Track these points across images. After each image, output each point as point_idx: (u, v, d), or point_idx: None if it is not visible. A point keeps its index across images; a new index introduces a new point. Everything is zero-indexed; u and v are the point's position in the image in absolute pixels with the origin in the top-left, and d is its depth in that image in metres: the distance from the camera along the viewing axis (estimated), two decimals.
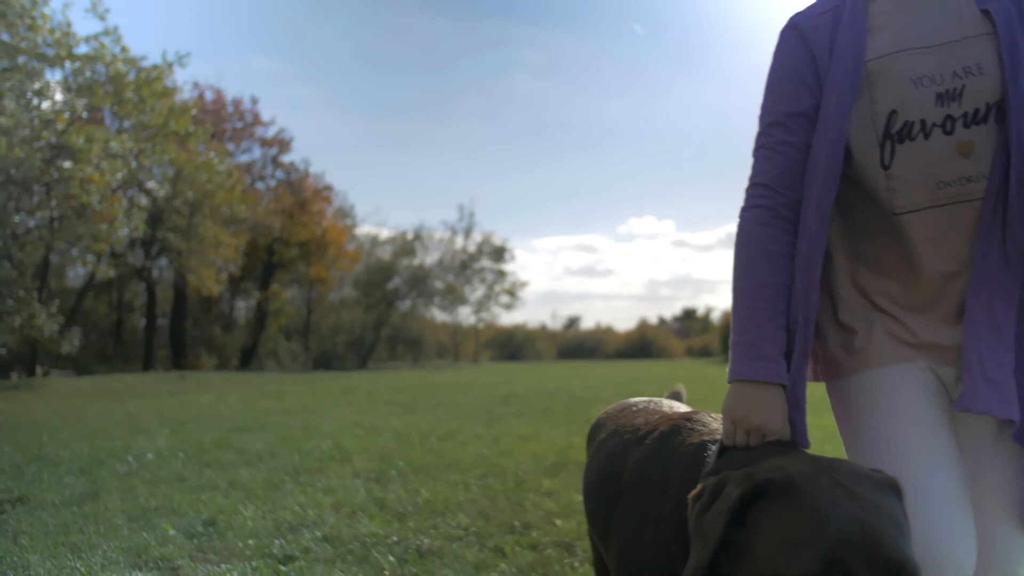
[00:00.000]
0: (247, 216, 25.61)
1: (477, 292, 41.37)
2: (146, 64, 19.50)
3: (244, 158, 30.95)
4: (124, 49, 19.02)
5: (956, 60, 1.38)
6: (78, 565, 2.93)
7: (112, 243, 19.17)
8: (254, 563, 2.97)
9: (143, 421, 8.52)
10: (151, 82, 19.39)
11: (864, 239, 1.50)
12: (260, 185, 31.40)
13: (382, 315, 36.81)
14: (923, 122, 1.38)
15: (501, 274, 41.47)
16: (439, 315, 41.87)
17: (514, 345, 49.22)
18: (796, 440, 1.43)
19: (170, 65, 20.08)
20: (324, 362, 32.28)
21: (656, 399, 1.86)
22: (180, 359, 26.78)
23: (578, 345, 54.35)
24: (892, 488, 1.14)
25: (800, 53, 1.48)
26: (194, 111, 21.29)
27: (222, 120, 29.38)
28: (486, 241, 40.74)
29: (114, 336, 29.53)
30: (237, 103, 30.56)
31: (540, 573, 2.88)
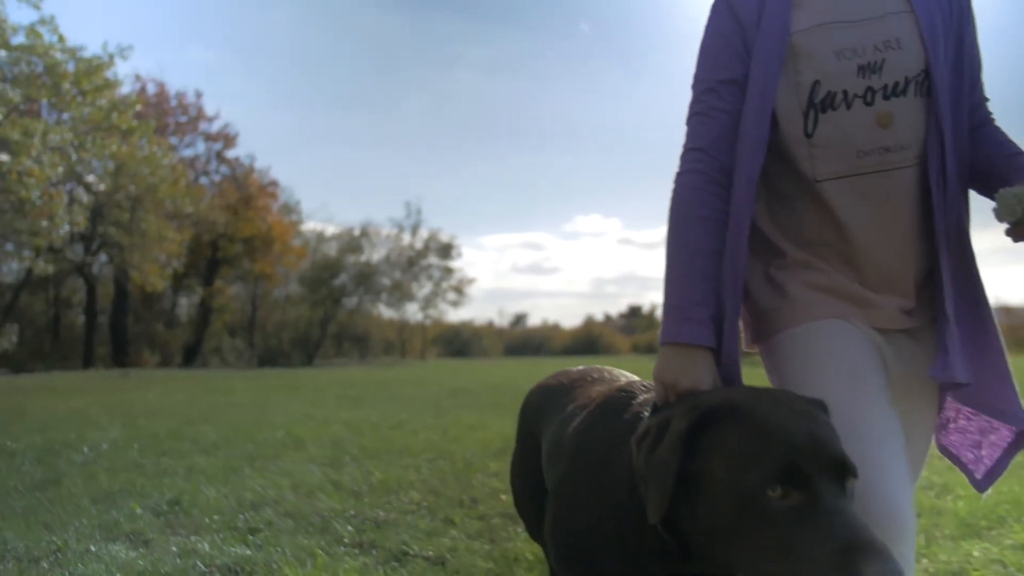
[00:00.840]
0: (191, 211, 25.28)
1: (424, 289, 41.49)
2: (85, 55, 19.19)
3: (187, 152, 30.51)
4: (61, 39, 18.67)
5: (877, 34, 1.44)
6: (54, 539, 3.12)
7: (51, 239, 18.79)
8: (221, 535, 3.21)
9: (91, 415, 8.54)
10: (91, 74, 19.06)
11: (790, 207, 1.54)
12: (204, 180, 30.98)
13: (328, 312, 36.61)
14: (845, 92, 1.44)
15: (448, 271, 41.66)
16: (386, 312, 41.87)
17: (461, 342, 49.43)
18: None
19: (111, 57, 19.76)
20: (269, 359, 32.00)
21: (607, 369, 1.89)
22: (121, 356, 26.29)
23: (525, 342, 54.92)
24: (821, 405, 1.26)
25: (730, 24, 1.53)
26: (138, 107, 20.95)
27: (165, 114, 28.86)
28: (433, 238, 40.87)
29: (51, 333, 28.80)
30: (180, 97, 30.11)
31: (487, 538, 3.18)
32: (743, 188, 1.48)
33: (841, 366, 1.41)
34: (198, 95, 31.17)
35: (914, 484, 1.54)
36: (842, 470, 1.11)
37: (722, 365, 1.46)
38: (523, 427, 1.96)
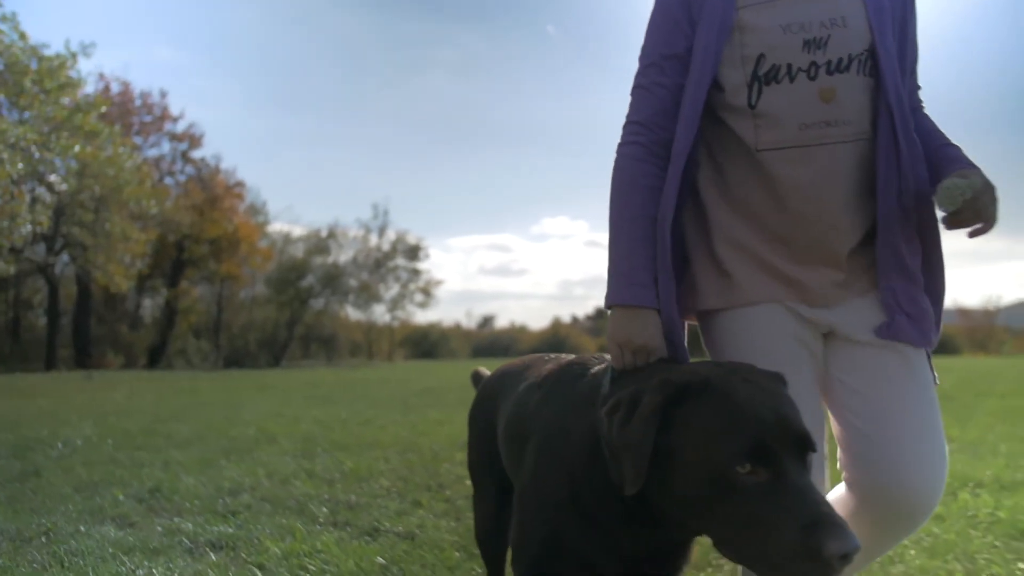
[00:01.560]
0: (156, 212, 25.09)
1: (392, 290, 41.51)
2: (48, 52, 19.02)
3: (152, 152, 30.24)
4: (23, 36, 18.48)
5: (824, 12, 1.50)
6: (43, 521, 3.29)
7: (13, 239, 18.57)
8: (203, 517, 3.40)
9: (61, 414, 8.59)
10: (53, 72, 18.89)
11: (733, 178, 1.58)
12: (169, 180, 30.73)
13: (295, 313, 36.49)
14: (789, 66, 1.49)
15: (416, 272, 41.72)
16: (353, 313, 41.81)
17: (429, 343, 49.44)
18: (677, 356, 1.54)
19: (74, 55, 19.59)
20: (236, 360, 31.84)
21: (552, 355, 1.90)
22: (84, 358, 25.96)
23: (492, 343, 55.08)
24: (782, 380, 1.34)
25: (677, 1, 1.58)
26: (104, 108, 20.78)
27: (129, 113, 28.62)
28: (400, 239, 40.89)
29: (11, 335, 28.36)
30: (145, 96, 29.85)
31: (453, 516, 3.43)
32: (678, 157, 1.55)
33: (775, 360, 1.48)
34: (163, 95, 30.95)
35: (941, 434, 1.53)
36: (804, 446, 1.19)
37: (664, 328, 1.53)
38: (479, 409, 2.02)
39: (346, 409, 9.13)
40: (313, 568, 2.60)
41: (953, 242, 1.65)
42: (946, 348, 45.73)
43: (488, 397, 1.97)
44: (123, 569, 2.61)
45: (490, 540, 2.02)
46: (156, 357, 29.93)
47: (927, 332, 1.54)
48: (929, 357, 1.60)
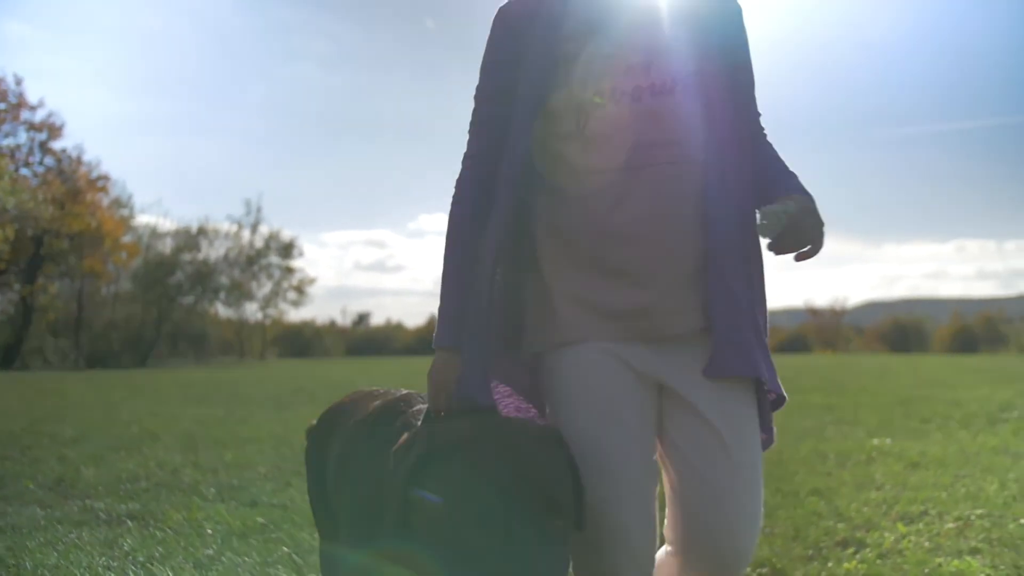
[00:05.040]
0: (12, 205, 24.10)
1: (264, 288, 41.17)
2: None
3: (7, 142, 28.79)
4: None
5: (646, 38, 1.52)
6: None
7: None
8: (110, 499, 4.18)
9: None
10: None
11: (560, 207, 1.56)
12: (26, 172, 29.34)
13: (163, 311, 35.59)
14: (613, 90, 1.49)
15: (289, 271, 41.53)
16: (224, 311, 41.14)
17: (302, 342, 49.01)
18: (479, 403, 1.49)
19: None
20: (99, 360, 30.80)
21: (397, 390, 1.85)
22: None
23: (368, 341, 55.06)
24: (553, 440, 1.34)
25: (506, 36, 1.61)
26: None
27: None
28: (274, 237, 40.61)
29: None
30: None
31: None
32: (504, 194, 1.54)
33: (598, 405, 1.48)
34: (18, 81, 29.48)
35: (758, 474, 1.53)
36: (545, 504, 1.21)
37: (463, 375, 1.50)
38: (312, 451, 1.94)
39: (222, 408, 9.75)
40: (210, 528, 3.49)
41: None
42: (796, 346, 49.38)
43: (320, 435, 1.90)
44: (56, 534, 3.40)
45: None
46: (10, 357, 28.56)
47: (756, 363, 1.49)
48: (765, 407, 1.57)
